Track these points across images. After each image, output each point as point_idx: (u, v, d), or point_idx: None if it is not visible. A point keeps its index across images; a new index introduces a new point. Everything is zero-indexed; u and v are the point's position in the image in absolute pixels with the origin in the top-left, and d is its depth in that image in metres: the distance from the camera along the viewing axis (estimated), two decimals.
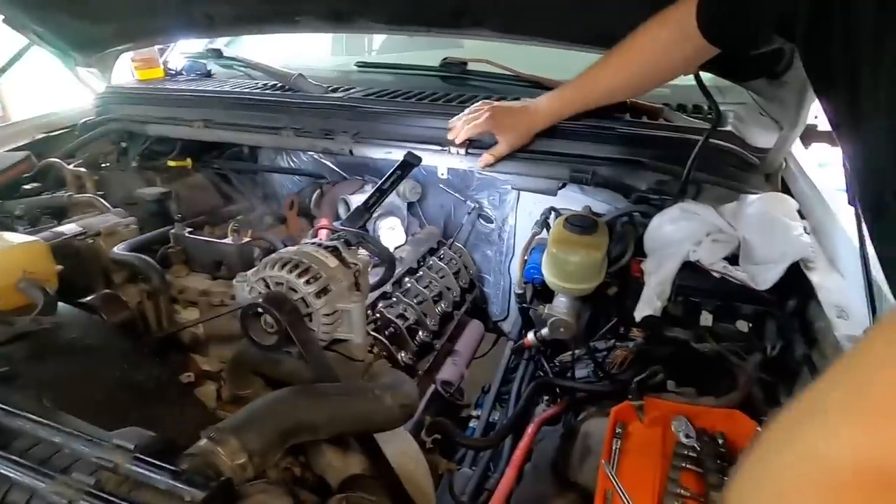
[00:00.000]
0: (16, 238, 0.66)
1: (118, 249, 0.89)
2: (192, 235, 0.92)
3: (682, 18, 0.80)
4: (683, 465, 0.70)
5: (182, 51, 1.73)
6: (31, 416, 0.43)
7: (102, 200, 1.07)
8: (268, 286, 0.72)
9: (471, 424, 1.10)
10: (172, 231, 0.92)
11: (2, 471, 0.39)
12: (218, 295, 0.88)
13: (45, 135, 1.42)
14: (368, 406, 0.61)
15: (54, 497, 0.36)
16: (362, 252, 0.82)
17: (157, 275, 0.85)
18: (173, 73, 1.57)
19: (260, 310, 0.68)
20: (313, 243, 0.78)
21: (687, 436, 0.74)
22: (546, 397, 1.04)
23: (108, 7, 1.26)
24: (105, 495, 0.36)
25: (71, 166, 1.24)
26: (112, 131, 1.39)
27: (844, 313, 0.66)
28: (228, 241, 0.89)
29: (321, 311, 0.71)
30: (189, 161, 1.36)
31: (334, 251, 0.77)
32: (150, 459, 0.39)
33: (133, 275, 0.92)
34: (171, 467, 0.38)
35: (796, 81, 0.88)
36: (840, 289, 0.69)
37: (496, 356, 1.29)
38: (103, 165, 1.33)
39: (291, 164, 1.59)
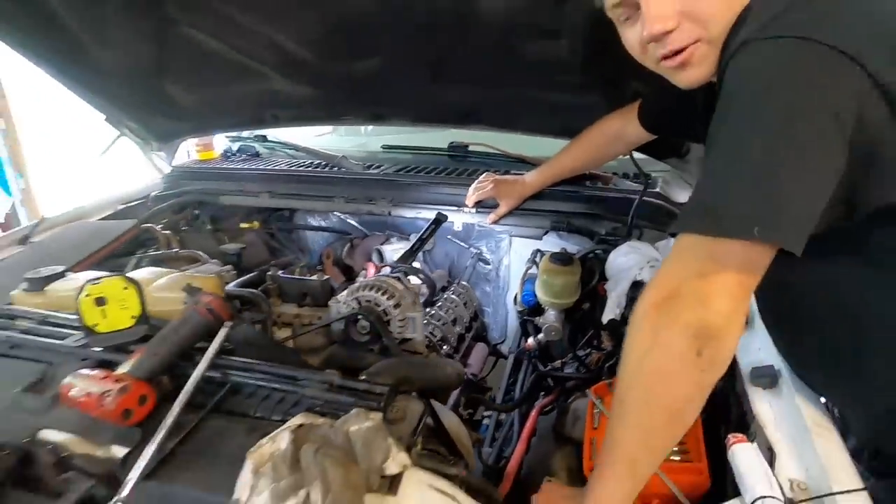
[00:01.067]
0: (207, 273, 1.01)
1: (231, 287, 1.22)
2: (284, 275, 1.26)
3: (626, 116, 1.24)
4: None
5: (227, 135, 2.12)
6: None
7: (202, 253, 1.40)
8: (360, 303, 1.07)
9: (484, 423, 1.43)
10: (270, 273, 1.26)
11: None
12: (306, 317, 1.21)
13: (124, 206, 1.75)
14: (438, 371, 0.95)
15: (313, 392, 0.69)
16: (415, 280, 1.18)
17: (265, 303, 1.18)
18: (227, 153, 1.95)
19: (359, 317, 1.02)
20: (385, 275, 1.14)
21: None
22: (542, 393, 1.39)
23: (191, 108, 1.64)
24: (335, 390, 0.70)
25: (160, 230, 1.57)
26: (183, 202, 1.74)
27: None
28: (315, 278, 1.24)
29: (397, 318, 1.06)
30: (257, 223, 1.71)
31: (398, 279, 1.13)
32: (351, 378, 0.73)
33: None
34: (364, 380, 0.73)
35: (697, 158, 1.34)
36: None
37: (497, 377, 1.63)
38: (183, 229, 1.66)
39: (322, 223, 1.95)
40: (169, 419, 0.67)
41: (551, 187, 1.43)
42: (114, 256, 1.44)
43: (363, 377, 0.78)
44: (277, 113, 1.59)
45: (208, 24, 1.32)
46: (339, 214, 1.89)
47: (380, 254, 1.71)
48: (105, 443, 0.70)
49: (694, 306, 0.56)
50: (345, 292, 1.12)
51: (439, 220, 1.32)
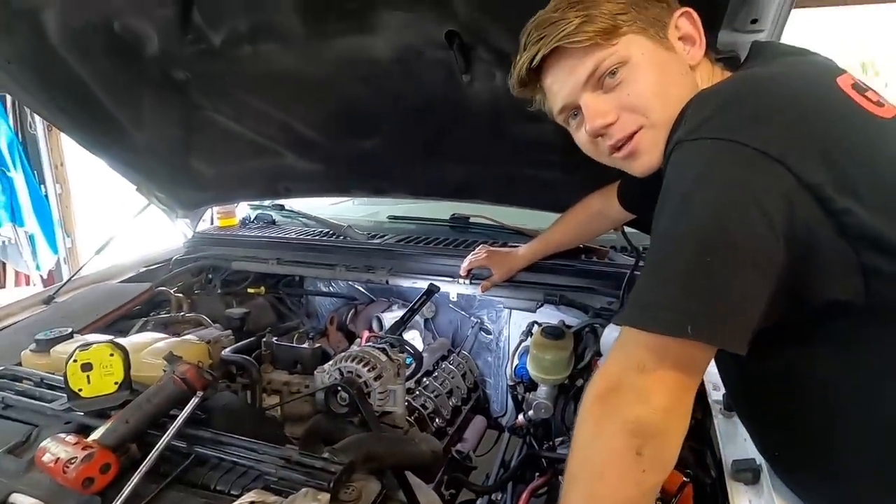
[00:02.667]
0: (192, 339, 1.06)
1: (226, 353, 1.27)
2: (278, 342, 1.30)
3: (607, 195, 1.27)
4: None
5: (249, 203, 2.26)
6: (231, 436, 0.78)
7: (206, 318, 1.47)
8: (342, 373, 1.09)
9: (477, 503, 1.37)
10: (264, 339, 1.30)
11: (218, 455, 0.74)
12: (295, 385, 1.23)
13: (146, 268, 1.87)
14: (412, 449, 0.94)
15: (268, 467, 0.70)
16: (400, 352, 1.19)
17: (256, 371, 1.21)
18: (246, 221, 2.08)
19: (339, 388, 1.04)
20: (369, 345, 1.16)
21: None
22: (537, 473, 1.33)
23: (213, 181, 1.78)
24: (292, 466, 0.70)
25: (173, 293, 1.65)
26: (200, 266, 1.84)
27: (717, 386, 1.01)
28: (305, 346, 1.27)
29: (377, 390, 1.06)
30: (263, 288, 1.79)
31: (383, 350, 1.15)
32: (309, 454, 0.73)
33: (228, 372, 1.28)
34: (322, 457, 0.73)
35: None
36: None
37: (497, 452, 1.57)
38: (196, 292, 1.75)
39: (330, 289, 2.01)
40: (126, 489, 0.69)
41: (546, 260, 1.45)
42: (127, 318, 1.52)
43: (325, 453, 0.79)
44: (289, 186, 1.70)
45: (228, 109, 1.46)
46: (347, 281, 1.95)
47: (379, 321, 1.74)
48: None
49: (632, 401, 0.55)
50: (330, 362, 1.14)
51: (431, 291, 1.35)
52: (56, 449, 0.73)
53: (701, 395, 1.11)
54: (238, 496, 0.72)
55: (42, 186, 3.43)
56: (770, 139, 0.55)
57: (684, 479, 1.00)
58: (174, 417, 0.80)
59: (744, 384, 0.75)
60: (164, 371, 0.86)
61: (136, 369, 0.95)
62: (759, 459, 0.80)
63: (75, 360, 0.83)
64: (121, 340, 1.03)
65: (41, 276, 3.46)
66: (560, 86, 0.73)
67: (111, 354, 0.85)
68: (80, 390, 0.84)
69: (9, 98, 3.16)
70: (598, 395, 0.58)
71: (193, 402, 0.79)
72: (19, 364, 1.12)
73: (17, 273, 3.54)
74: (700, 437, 1.03)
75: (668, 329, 0.54)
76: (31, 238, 3.40)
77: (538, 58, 0.70)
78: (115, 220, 1.86)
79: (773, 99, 0.59)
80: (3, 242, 3.39)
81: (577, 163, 1.33)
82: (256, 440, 0.80)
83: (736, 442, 0.88)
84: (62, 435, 0.76)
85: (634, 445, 0.54)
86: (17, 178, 3.27)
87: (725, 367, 0.79)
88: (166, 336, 1.14)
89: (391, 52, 1.14)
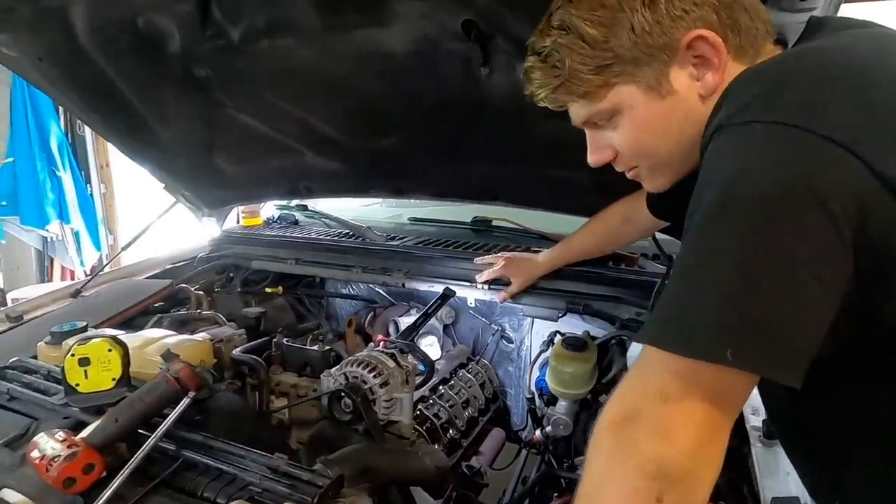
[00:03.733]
0: (198, 338, 1.04)
1: (236, 352, 1.24)
2: (289, 343, 1.27)
3: (636, 200, 1.18)
4: None
5: (274, 202, 2.27)
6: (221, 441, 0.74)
7: (221, 316, 1.46)
8: (347, 378, 1.04)
9: None
10: (275, 340, 1.28)
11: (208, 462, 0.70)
12: (303, 388, 1.19)
13: (172, 265, 1.89)
14: (414, 462, 0.88)
15: (252, 476, 0.66)
16: (411, 358, 1.14)
17: (264, 371, 1.19)
18: (270, 220, 2.08)
19: (342, 393, 0.99)
20: (378, 350, 1.11)
21: None
22: (556, 493, 1.24)
23: (237, 180, 1.79)
24: (278, 477, 0.66)
25: (193, 289, 1.66)
26: (223, 264, 1.84)
27: (757, 410, 0.91)
28: (315, 348, 1.24)
29: (382, 397, 1.01)
30: (280, 288, 1.77)
31: (392, 356, 1.09)
32: (297, 465, 0.69)
33: (240, 371, 1.26)
34: (311, 469, 0.68)
35: None
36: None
37: (515, 468, 1.49)
38: (216, 290, 1.75)
39: (351, 291, 1.98)
40: (107, 492, 0.66)
41: (570, 267, 1.36)
42: (147, 314, 1.53)
43: (317, 465, 0.74)
44: (310, 185, 1.68)
45: (249, 106, 1.45)
46: (368, 284, 1.92)
47: (396, 325, 1.69)
48: None
49: (653, 436, 0.46)
50: (338, 366, 1.10)
51: (446, 295, 1.29)
52: (45, 445, 0.71)
53: (738, 418, 1.01)
54: None
55: (88, 186, 3.58)
56: (837, 122, 0.44)
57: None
58: (167, 417, 0.78)
59: (795, 419, 0.64)
60: (160, 369, 0.84)
61: (139, 366, 0.94)
62: (804, 498, 0.70)
63: (73, 355, 0.82)
64: (126, 336, 1.02)
65: (85, 272, 3.61)
66: (570, 111, 0.66)
67: (109, 350, 0.84)
68: (77, 385, 0.82)
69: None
70: (613, 423, 0.49)
71: (184, 402, 0.76)
72: (35, 357, 1.13)
73: (62, 268, 3.70)
74: (735, 466, 0.93)
75: (701, 353, 0.45)
76: (76, 235, 3.55)
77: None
78: (149, 218, 1.90)
79: (840, 74, 0.48)
80: (51, 239, 3.55)
81: (608, 164, 1.26)
82: (248, 447, 0.76)
83: (777, 475, 0.78)
84: (54, 431, 0.75)
85: (654, 490, 0.45)
86: (66, 177, 3.43)
87: (771, 394, 0.68)
88: (175, 333, 1.13)
89: (407, 44, 1.10)
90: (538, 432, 1.26)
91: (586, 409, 1.25)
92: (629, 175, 0.69)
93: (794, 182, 0.44)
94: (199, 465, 0.75)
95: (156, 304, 1.57)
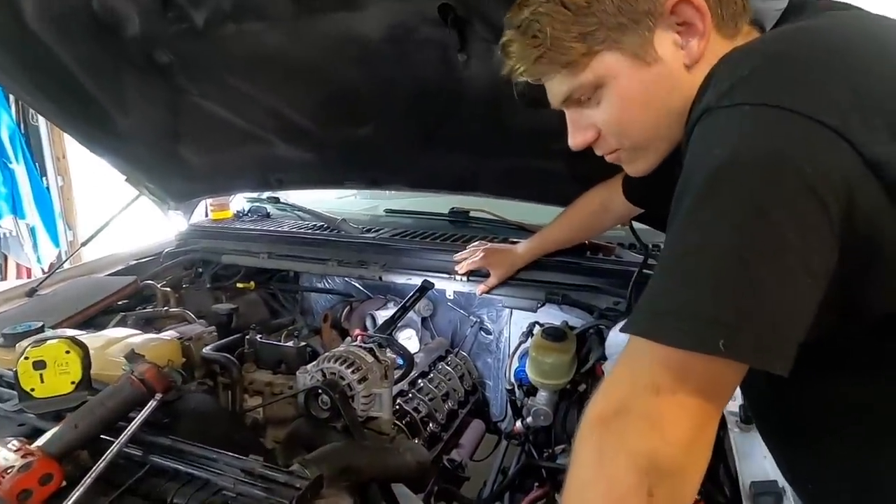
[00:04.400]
0: (165, 336, 0.98)
1: (207, 350, 1.20)
2: (262, 340, 1.22)
3: (611, 187, 1.18)
4: None
5: (244, 195, 2.20)
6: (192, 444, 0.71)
7: (190, 313, 1.40)
8: (324, 375, 1.01)
9: None
10: (247, 337, 1.23)
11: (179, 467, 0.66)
12: (278, 386, 1.16)
13: (136, 261, 1.81)
14: (395, 459, 0.86)
15: (225, 480, 0.62)
16: (390, 352, 1.11)
17: (236, 370, 1.14)
18: (240, 214, 2.01)
19: (320, 391, 0.96)
20: (356, 345, 1.08)
21: None
22: (536, 483, 1.24)
23: (203, 171, 1.71)
24: (253, 480, 0.63)
25: (159, 286, 1.59)
26: (191, 260, 1.77)
27: (734, 396, 0.92)
28: (290, 344, 1.20)
29: (361, 393, 0.98)
30: (252, 284, 1.72)
31: (370, 351, 1.07)
32: (274, 466, 0.66)
33: (211, 371, 1.21)
34: (288, 470, 0.65)
35: None
36: None
37: (495, 460, 1.49)
38: (184, 286, 1.68)
39: (326, 285, 1.94)
40: (68, 502, 0.61)
41: (549, 257, 1.36)
42: (110, 312, 1.45)
43: (293, 465, 0.71)
44: (281, 177, 1.63)
45: (215, 94, 1.39)
46: (344, 277, 1.88)
47: (373, 319, 1.66)
48: None
49: (644, 430, 0.45)
50: (314, 362, 1.06)
51: (425, 288, 1.27)
52: None
53: None
54: None
55: (44, 179, 3.40)
56: (826, 105, 0.43)
57: (697, 497, 0.92)
58: (132, 422, 0.73)
59: (772, 405, 0.65)
60: (124, 370, 0.79)
61: (102, 368, 0.88)
62: (782, 481, 0.71)
63: (26, 358, 0.77)
64: (88, 337, 0.96)
65: (42, 269, 3.44)
66: (549, 92, 0.64)
67: (67, 351, 0.78)
68: (32, 390, 0.77)
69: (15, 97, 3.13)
70: (601, 419, 0.48)
71: (151, 405, 0.72)
72: None
73: (18, 266, 3.52)
74: (713, 450, 0.94)
75: (694, 343, 0.44)
76: (32, 230, 3.37)
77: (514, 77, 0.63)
78: (110, 212, 1.81)
79: (828, 56, 0.47)
80: (4, 235, 3.37)
81: (584, 152, 1.26)
82: (220, 449, 0.73)
83: (754, 459, 0.79)
84: (7, 439, 0.70)
85: (645, 484, 0.44)
86: (19, 170, 3.24)
87: (749, 380, 0.68)
88: (140, 332, 1.08)
89: (382, 29, 1.06)
90: (518, 423, 1.26)
91: (566, 399, 1.25)
92: (609, 159, 0.67)
93: (784, 167, 0.43)
94: (168, 471, 0.71)
95: (119, 303, 1.50)
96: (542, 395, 1.22)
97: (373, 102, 1.29)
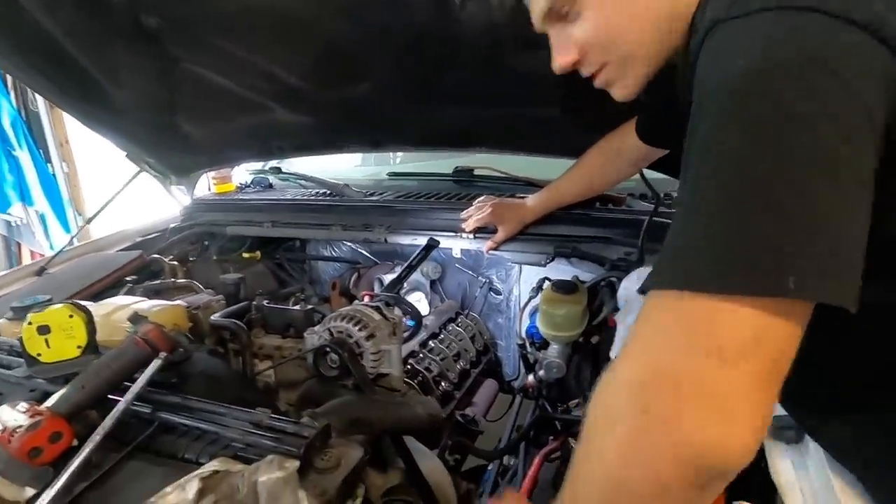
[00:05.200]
0: (169, 303, 0.98)
1: (215, 317, 1.19)
2: (269, 304, 1.22)
3: (625, 130, 1.13)
4: None
5: (246, 167, 2.18)
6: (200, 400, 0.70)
7: (198, 283, 1.39)
8: (331, 334, 1.00)
9: (489, 468, 1.29)
10: (254, 303, 1.22)
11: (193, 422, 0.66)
12: (288, 349, 1.15)
13: (142, 238, 1.80)
14: (407, 412, 0.85)
15: (234, 433, 0.62)
16: (398, 311, 1.10)
17: (245, 335, 1.14)
18: (242, 186, 1.99)
19: (328, 349, 0.95)
20: (363, 304, 1.07)
21: None
22: (551, 437, 1.24)
23: (203, 143, 1.69)
24: (262, 431, 0.62)
25: (167, 260, 1.59)
26: (197, 233, 1.77)
27: None
28: (297, 308, 1.19)
29: (369, 350, 0.97)
30: (258, 253, 1.71)
31: (377, 309, 1.05)
32: (282, 418, 0.65)
33: (221, 338, 1.21)
34: (295, 421, 0.64)
35: None
36: None
37: (509, 418, 1.48)
38: (191, 259, 1.68)
39: (334, 253, 1.92)
40: (77, 459, 0.61)
41: (558, 210, 1.32)
42: (118, 287, 1.46)
43: (304, 417, 0.70)
44: (282, 144, 1.60)
45: (207, 59, 1.35)
46: (350, 244, 1.86)
47: (381, 283, 1.65)
48: (21, 483, 0.65)
49: (703, 413, 0.36)
50: (321, 323, 1.05)
51: (430, 246, 1.25)
52: (6, 417, 0.66)
53: None
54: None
55: (49, 165, 3.40)
56: (856, 3, 0.39)
57: None
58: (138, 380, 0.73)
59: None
60: (129, 333, 0.78)
61: (108, 334, 0.88)
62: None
63: (30, 323, 0.76)
64: (94, 305, 0.96)
65: None
66: (531, 12, 0.62)
67: (71, 316, 0.78)
68: (38, 355, 0.77)
69: (9, 76, 3.11)
70: (639, 383, 0.39)
71: (155, 364, 0.71)
72: None
73: (32, 252, 3.56)
74: None
75: (764, 286, 0.36)
76: (41, 217, 3.39)
77: None
78: (116, 193, 1.80)
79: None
80: (16, 223, 3.40)
81: (592, 97, 1.20)
82: (229, 405, 0.72)
83: None
84: (16, 402, 0.69)
85: (697, 483, 0.36)
86: (23, 156, 3.24)
87: None
88: (146, 300, 1.07)
89: None
90: (531, 377, 1.25)
91: (579, 352, 1.23)
92: (597, 82, 0.63)
93: (821, 72, 0.38)
94: (177, 427, 0.71)
95: (127, 278, 1.50)
96: (553, 349, 1.21)
97: (367, 56, 1.24)
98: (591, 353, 1.22)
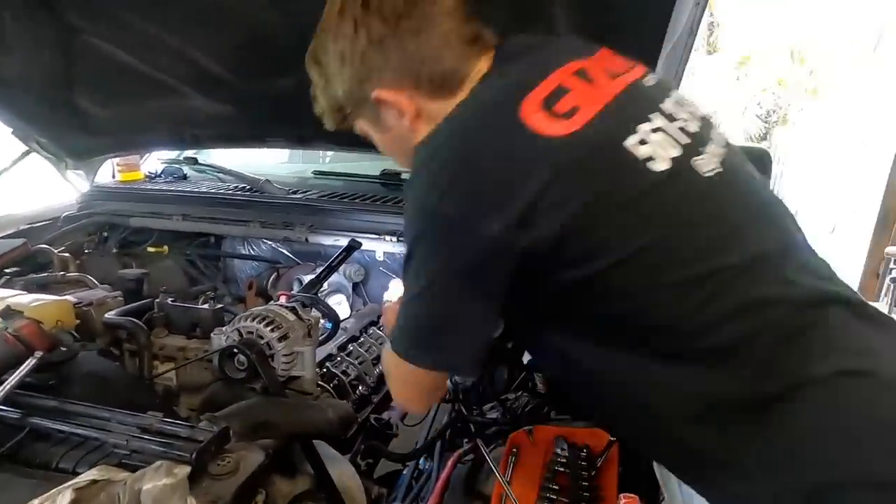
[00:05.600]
0: (52, 297, 0.88)
1: (110, 315, 1.09)
2: (174, 303, 1.14)
3: None
4: (558, 469, 0.96)
5: (158, 156, 2.02)
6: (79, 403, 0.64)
7: (91, 278, 1.27)
8: (241, 334, 0.95)
9: (403, 473, 1.29)
10: (158, 300, 1.14)
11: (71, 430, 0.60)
12: (192, 351, 1.08)
13: (28, 225, 1.62)
14: (317, 415, 0.83)
15: (118, 438, 0.57)
16: (315, 312, 1.07)
17: (143, 334, 1.05)
18: (152, 175, 1.85)
19: (235, 350, 0.90)
20: (277, 304, 1.03)
21: (562, 449, 1.00)
22: (465, 439, 1.26)
23: (106, 123, 1.55)
24: (150, 437, 0.58)
25: (56, 252, 1.43)
26: (95, 223, 1.61)
27: None
28: (206, 307, 1.12)
29: (281, 352, 0.94)
30: (166, 248, 1.59)
31: (292, 309, 1.02)
32: (174, 421, 0.61)
33: (116, 338, 1.11)
34: (190, 425, 0.61)
35: None
36: None
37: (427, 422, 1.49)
38: (86, 252, 1.53)
39: (252, 251, 1.84)
40: None
41: None
42: None
43: (202, 421, 0.66)
44: (197, 132, 1.50)
45: (112, 34, 1.24)
46: (269, 242, 1.79)
47: (300, 283, 1.60)
48: None
49: (408, 394, 0.79)
50: (230, 323, 1.00)
51: (352, 247, 1.23)
52: None
53: None
54: None
55: None
56: (452, 206, 0.58)
57: (611, 437, 0.97)
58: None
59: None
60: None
61: None
62: None
63: None
64: None
65: None
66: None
67: None
68: None
69: None
70: (391, 370, 0.76)
71: (29, 363, 0.64)
72: None
73: None
74: None
75: (422, 361, 0.68)
76: None
77: None
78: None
79: (450, 163, 0.61)
80: None
81: None
82: (113, 408, 0.66)
83: None
84: None
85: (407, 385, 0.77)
86: None
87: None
88: (26, 293, 0.96)
89: None
90: (447, 382, 1.26)
91: (494, 355, 1.26)
92: None
93: (434, 244, 0.62)
94: (52, 434, 0.64)
95: (7, 269, 1.34)
96: None
97: (294, 48, 1.19)
98: (505, 357, 1.26)
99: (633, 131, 0.59)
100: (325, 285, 1.39)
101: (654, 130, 0.60)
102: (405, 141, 0.70)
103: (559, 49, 0.68)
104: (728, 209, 0.61)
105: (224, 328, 0.99)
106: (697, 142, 0.62)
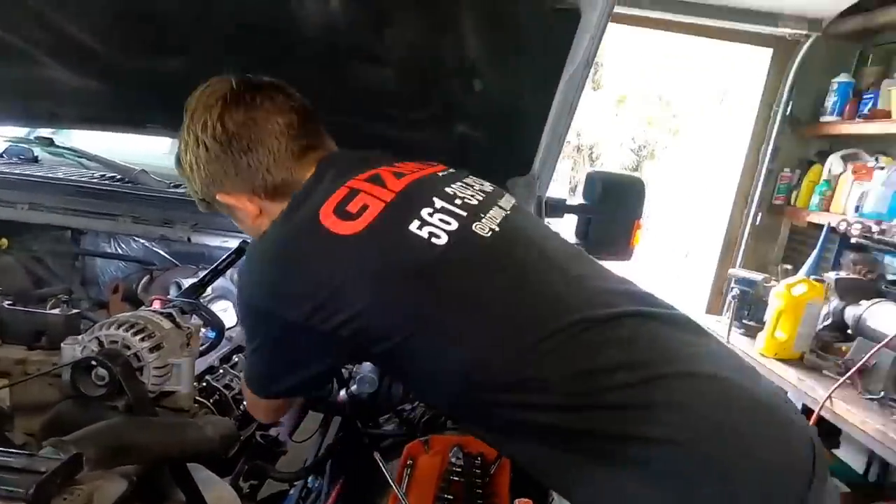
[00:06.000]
0: None
1: None
2: (10, 307, 0.95)
3: None
4: (453, 478, 0.96)
5: (2, 133, 1.71)
6: None
7: None
8: (101, 344, 0.82)
9: (290, 493, 1.20)
10: None
11: None
12: (35, 364, 0.91)
13: None
14: (193, 434, 0.74)
15: None
16: (195, 319, 0.96)
17: None
18: None
19: (94, 363, 0.78)
20: (149, 309, 0.91)
21: (457, 458, 1.00)
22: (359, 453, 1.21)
23: None
24: None
25: None
26: None
27: None
28: (56, 311, 0.95)
29: (153, 364, 0.83)
30: (5, 241, 1.34)
31: (169, 316, 0.91)
32: (6, 450, 0.50)
33: None
34: (30, 454, 0.50)
35: None
36: None
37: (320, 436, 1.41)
38: None
39: (119, 249, 1.62)
40: None
41: None
42: None
43: (44, 448, 0.55)
44: (57, 110, 1.29)
45: None
46: (142, 241, 1.58)
47: (179, 287, 1.44)
48: None
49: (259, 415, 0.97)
50: (89, 331, 0.86)
51: (242, 249, 1.13)
52: None
53: None
54: None
55: None
56: (263, 300, 0.74)
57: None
58: None
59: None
60: None
61: None
62: None
63: None
64: None
65: None
66: None
67: None
68: None
69: None
70: (249, 398, 0.92)
71: None
72: None
73: None
74: None
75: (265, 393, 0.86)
76: None
77: None
78: None
79: (266, 264, 0.76)
80: None
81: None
82: None
83: None
84: None
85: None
86: None
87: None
88: None
89: None
90: (343, 392, 1.21)
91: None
92: None
93: (258, 326, 0.79)
94: None
95: None
96: (367, 363, 1.19)
97: (187, 30, 1.09)
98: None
99: (417, 216, 0.71)
100: (209, 290, 1.26)
101: (435, 211, 0.73)
102: (255, 231, 0.86)
103: (368, 161, 0.81)
104: (508, 260, 0.73)
105: (80, 336, 0.85)
106: (478, 210, 0.76)
